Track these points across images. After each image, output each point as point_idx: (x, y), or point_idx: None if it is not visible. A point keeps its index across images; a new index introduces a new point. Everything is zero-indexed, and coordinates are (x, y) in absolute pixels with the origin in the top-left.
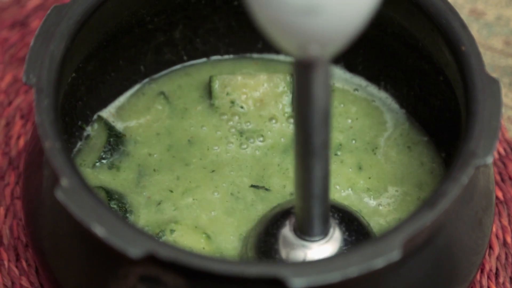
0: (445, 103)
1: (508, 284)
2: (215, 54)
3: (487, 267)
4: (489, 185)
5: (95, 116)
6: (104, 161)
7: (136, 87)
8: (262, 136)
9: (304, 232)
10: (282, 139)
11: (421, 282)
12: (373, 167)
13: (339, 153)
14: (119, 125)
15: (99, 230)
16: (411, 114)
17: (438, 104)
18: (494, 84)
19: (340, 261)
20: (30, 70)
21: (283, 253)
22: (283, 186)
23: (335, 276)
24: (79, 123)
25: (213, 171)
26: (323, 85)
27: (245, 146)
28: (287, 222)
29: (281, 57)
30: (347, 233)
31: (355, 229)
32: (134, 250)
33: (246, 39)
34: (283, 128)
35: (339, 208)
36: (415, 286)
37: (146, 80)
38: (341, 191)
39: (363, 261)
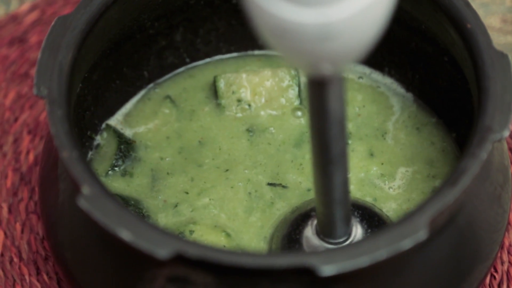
0: (452, 83)
1: None
2: (217, 54)
3: (506, 243)
4: (504, 161)
5: (103, 125)
6: (116, 168)
7: (142, 93)
8: (271, 132)
9: (327, 235)
10: (291, 134)
11: (446, 262)
12: (384, 152)
13: (349, 141)
14: (128, 132)
15: (125, 235)
16: (418, 97)
17: (445, 85)
18: (503, 58)
19: (368, 245)
20: (40, 82)
21: None
22: (299, 183)
23: (364, 261)
24: (88, 133)
25: (227, 170)
26: (338, 98)
27: (256, 143)
28: (309, 225)
29: None
30: (369, 230)
31: (376, 225)
32: (162, 251)
33: (247, 36)
34: (292, 123)
35: (358, 205)
36: (440, 266)
37: (151, 85)
38: (355, 181)
39: (391, 243)
